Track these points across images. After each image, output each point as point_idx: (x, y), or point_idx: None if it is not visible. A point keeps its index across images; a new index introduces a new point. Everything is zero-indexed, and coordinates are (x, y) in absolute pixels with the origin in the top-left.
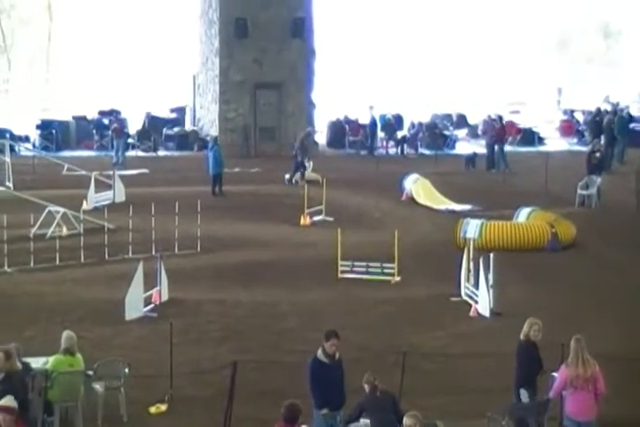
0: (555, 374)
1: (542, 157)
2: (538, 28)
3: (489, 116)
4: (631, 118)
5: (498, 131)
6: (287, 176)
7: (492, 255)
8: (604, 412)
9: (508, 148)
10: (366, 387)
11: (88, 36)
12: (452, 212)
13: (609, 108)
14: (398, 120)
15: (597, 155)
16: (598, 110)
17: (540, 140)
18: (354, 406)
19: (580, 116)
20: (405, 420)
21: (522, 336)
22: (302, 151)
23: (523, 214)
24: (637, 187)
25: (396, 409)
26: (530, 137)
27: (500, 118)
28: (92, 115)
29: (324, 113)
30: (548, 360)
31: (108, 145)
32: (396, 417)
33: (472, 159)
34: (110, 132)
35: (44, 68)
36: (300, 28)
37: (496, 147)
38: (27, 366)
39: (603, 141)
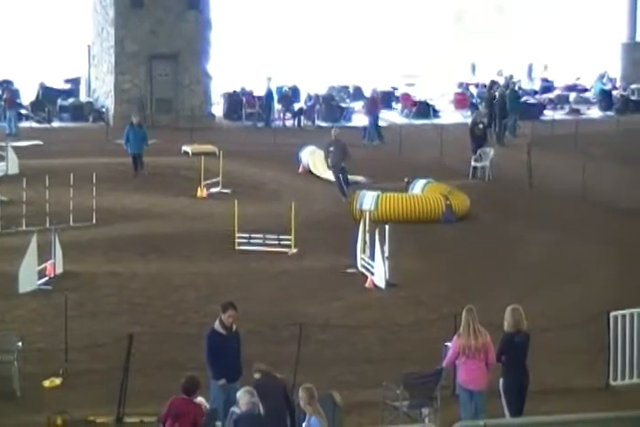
0: (448, 343)
1: (437, 130)
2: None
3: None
4: (521, 91)
5: (368, 103)
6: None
7: (387, 227)
8: (494, 380)
9: (403, 120)
10: (257, 375)
11: None
12: (350, 184)
13: (502, 81)
14: (295, 92)
15: (480, 126)
16: (492, 83)
17: (435, 113)
18: None
19: (474, 90)
20: (300, 392)
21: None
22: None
23: (418, 186)
24: (529, 159)
25: (287, 395)
26: (425, 110)
27: (372, 91)
28: None
29: (221, 85)
30: (442, 330)
31: (0, 116)
32: (286, 403)
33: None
34: (2, 103)
35: None
36: None
37: (369, 118)
38: None
39: (484, 112)
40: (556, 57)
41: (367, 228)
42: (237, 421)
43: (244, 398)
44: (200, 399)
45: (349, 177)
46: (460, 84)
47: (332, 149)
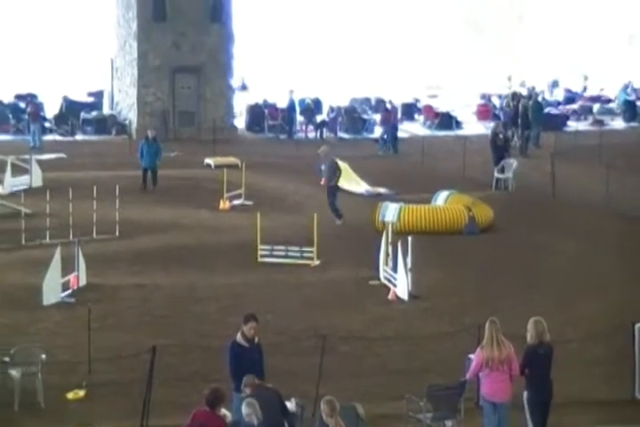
0: (471, 355)
1: (460, 141)
2: (452, 12)
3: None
4: (545, 102)
5: (382, 115)
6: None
7: (410, 239)
8: (518, 393)
9: (425, 131)
10: (247, 390)
11: (3, 18)
12: (373, 195)
13: (524, 92)
14: (317, 104)
15: (501, 136)
16: (514, 94)
17: (458, 124)
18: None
19: (496, 101)
20: (322, 405)
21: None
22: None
23: (441, 198)
24: (552, 170)
25: (282, 404)
26: (447, 121)
27: (387, 102)
28: (7, 98)
29: (244, 97)
30: (465, 342)
31: (25, 129)
32: (282, 412)
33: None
34: (26, 116)
35: None
36: (218, 12)
37: (383, 129)
38: None
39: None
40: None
41: (390, 239)
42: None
43: (244, 409)
44: (223, 411)
45: (373, 189)
46: (483, 96)
47: (322, 167)
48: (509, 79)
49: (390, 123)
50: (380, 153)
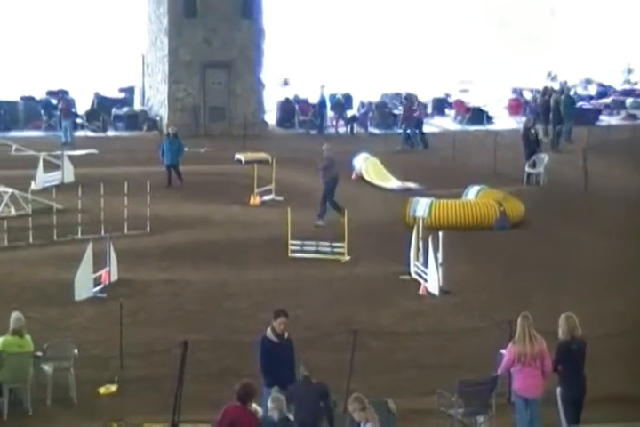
0: (503, 351)
1: (491, 136)
2: (481, 7)
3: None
4: (577, 97)
5: (403, 111)
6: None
7: (441, 234)
8: (550, 388)
9: (456, 126)
10: (304, 374)
11: (35, 14)
12: (403, 190)
13: (556, 86)
14: (348, 99)
15: (533, 131)
16: (545, 89)
17: (489, 119)
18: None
19: (528, 95)
20: (349, 404)
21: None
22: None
23: (471, 193)
24: (584, 165)
25: (324, 400)
26: (478, 116)
27: (408, 99)
28: (39, 95)
29: (274, 93)
30: (497, 337)
31: (57, 125)
32: (323, 407)
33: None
34: (58, 112)
35: None
36: (249, 8)
37: (403, 126)
38: None
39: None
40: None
41: (420, 234)
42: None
43: (268, 403)
44: (255, 407)
45: (403, 184)
46: (515, 90)
47: (320, 166)
48: (550, 75)
49: (413, 118)
50: (399, 148)
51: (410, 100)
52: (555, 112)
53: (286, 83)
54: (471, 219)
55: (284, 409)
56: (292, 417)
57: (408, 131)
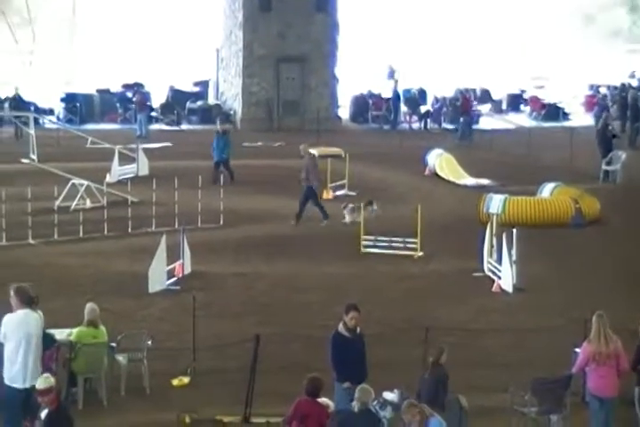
0: (577, 349)
1: (567, 133)
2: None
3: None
4: None
5: (460, 106)
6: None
7: (515, 231)
8: (626, 388)
9: (531, 122)
10: (430, 359)
11: (112, 8)
12: (477, 187)
13: (635, 83)
14: (422, 94)
15: (610, 128)
16: (623, 86)
17: (565, 116)
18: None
19: (605, 92)
20: (404, 413)
21: None
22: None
23: (547, 190)
24: None
25: (445, 387)
26: (554, 112)
27: (463, 92)
28: (115, 88)
29: (348, 87)
30: (571, 336)
31: (132, 118)
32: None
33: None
34: (134, 106)
35: (69, 41)
36: (324, 2)
37: (461, 120)
38: (51, 337)
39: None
40: None
41: (494, 231)
42: (334, 413)
43: (356, 393)
44: (325, 400)
45: (477, 180)
46: (591, 87)
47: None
48: (633, 73)
49: (468, 113)
50: (458, 142)
51: (466, 93)
52: (633, 109)
53: (392, 74)
54: (546, 216)
55: (369, 401)
56: (373, 409)
57: (463, 125)
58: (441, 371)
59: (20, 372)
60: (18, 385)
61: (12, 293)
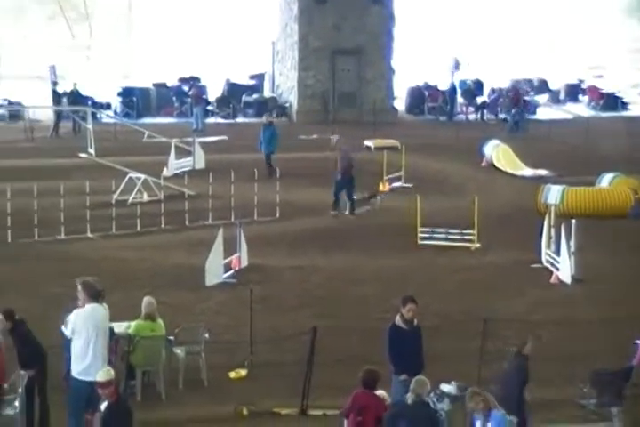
0: (638, 342)
1: (625, 122)
2: None
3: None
4: None
5: (511, 97)
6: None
7: (573, 221)
8: None
9: (590, 112)
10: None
11: (168, 3)
12: (535, 177)
13: None
14: (478, 86)
15: None
16: None
17: (624, 105)
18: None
19: None
20: (468, 402)
21: None
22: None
23: (605, 180)
24: None
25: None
26: (613, 102)
27: (515, 84)
28: (172, 82)
29: (404, 79)
30: (632, 328)
31: (188, 112)
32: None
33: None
34: (190, 99)
35: (125, 36)
36: None
37: (513, 111)
38: (110, 330)
39: None
40: None
41: (552, 222)
42: (390, 405)
43: (411, 384)
44: (382, 393)
45: (535, 171)
46: None
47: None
48: None
49: (518, 104)
50: (506, 133)
51: (517, 85)
52: None
53: (457, 66)
54: (605, 206)
55: (424, 393)
56: (430, 402)
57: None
58: (521, 361)
59: (91, 366)
60: (89, 378)
61: (79, 287)
